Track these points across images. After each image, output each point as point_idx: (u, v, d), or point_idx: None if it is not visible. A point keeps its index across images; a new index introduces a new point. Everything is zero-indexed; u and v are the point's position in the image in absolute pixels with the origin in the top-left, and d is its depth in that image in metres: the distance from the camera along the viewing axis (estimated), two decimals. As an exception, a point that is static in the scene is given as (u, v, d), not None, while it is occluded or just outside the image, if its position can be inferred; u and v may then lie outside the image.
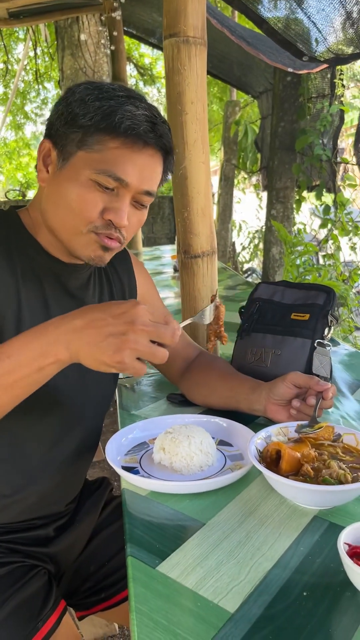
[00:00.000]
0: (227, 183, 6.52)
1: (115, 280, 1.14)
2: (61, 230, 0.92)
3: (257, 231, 6.72)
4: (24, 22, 4.87)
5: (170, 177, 1.02)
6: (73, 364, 0.78)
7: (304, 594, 0.70)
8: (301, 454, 0.90)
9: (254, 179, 6.20)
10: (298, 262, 3.09)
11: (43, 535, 1.05)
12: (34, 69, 9.32)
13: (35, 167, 0.96)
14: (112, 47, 4.05)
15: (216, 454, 1.03)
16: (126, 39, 6.08)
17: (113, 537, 1.16)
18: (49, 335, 0.75)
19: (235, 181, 6.73)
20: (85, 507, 1.16)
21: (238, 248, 7.22)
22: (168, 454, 1.00)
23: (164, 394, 1.37)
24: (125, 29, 4.88)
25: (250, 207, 7.22)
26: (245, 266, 7.08)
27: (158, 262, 3.95)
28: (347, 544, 0.70)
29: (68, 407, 1.01)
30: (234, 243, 7.18)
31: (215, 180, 7.47)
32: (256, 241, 6.69)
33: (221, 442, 1.10)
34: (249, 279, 6.03)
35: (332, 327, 1.31)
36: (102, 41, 5.29)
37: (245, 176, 6.33)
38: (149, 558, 0.77)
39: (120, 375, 1.51)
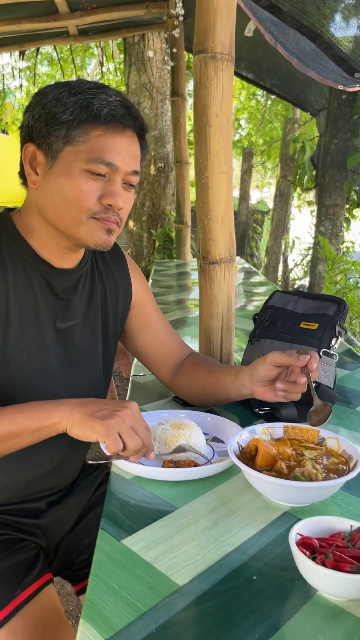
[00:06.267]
0: (282, 199, 6.53)
1: (110, 282, 1.19)
2: (63, 224, 0.99)
3: (309, 248, 6.67)
4: (92, 39, 5.11)
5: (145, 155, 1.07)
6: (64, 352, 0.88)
7: (254, 577, 0.73)
8: (277, 451, 0.93)
9: (309, 196, 6.17)
10: (339, 277, 3.07)
11: (35, 508, 1.12)
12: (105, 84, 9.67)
13: (19, 173, 1.03)
14: (172, 64, 4.17)
15: (205, 448, 1.08)
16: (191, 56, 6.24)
17: None
18: (60, 402, 0.94)
19: (292, 198, 6.72)
20: (80, 486, 1.22)
21: (290, 264, 7.18)
22: (158, 443, 1.05)
23: (172, 393, 1.42)
24: (190, 46, 5.02)
25: (305, 224, 7.17)
26: (298, 283, 7.03)
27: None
28: (300, 534, 0.73)
29: (59, 394, 1.06)
30: (286, 259, 7.15)
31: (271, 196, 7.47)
32: (308, 258, 6.64)
33: (214, 439, 1.14)
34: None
35: (340, 338, 1.32)
36: (166, 58, 5.45)
37: (301, 193, 6.31)
38: (117, 532, 0.83)
39: (132, 372, 1.58)
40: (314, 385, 1.07)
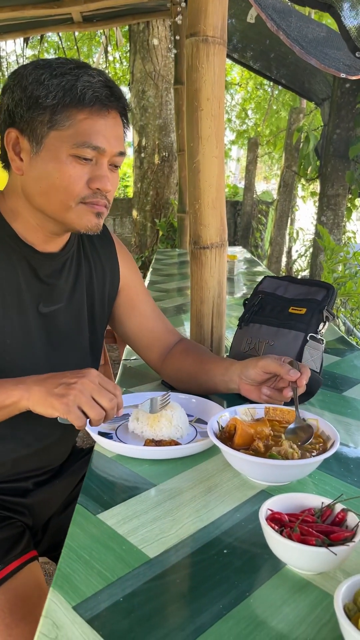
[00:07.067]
0: (286, 189, 6.49)
1: (96, 265, 1.19)
2: (51, 209, 0.98)
3: (312, 239, 6.66)
4: (97, 26, 5.07)
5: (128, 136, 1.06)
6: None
7: (225, 551, 0.74)
8: (255, 431, 0.93)
9: (314, 187, 6.14)
10: (340, 267, 3.07)
11: (22, 487, 1.13)
12: (111, 73, 9.66)
13: (1, 158, 1.01)
14: (175, 51, 4.16)
15: (188, 428, 1.09)
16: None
17: None
18: (19, 380, 0.92)
19: (296, 189, 6.69)
20: (69, 469, 1.23)
21: (294, 255, 7.16)
22: (140, 423, 1.06)
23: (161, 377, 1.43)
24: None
25: (309, 215, 7.15)
26: (301, 274, 7.01)
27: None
28: (270, 509, 0.74)
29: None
30: (290, 250, 7.13)
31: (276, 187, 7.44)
32: (312, 249, 6.63)
33: (199, 420, 1.15)
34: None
35: (328, 323, 1.33)
36: (170, 46, 5.43)
37: (305, 183, 6.29)
38: (94, 506, 0.84)
39: (124, 356, 1.59)
40: None
